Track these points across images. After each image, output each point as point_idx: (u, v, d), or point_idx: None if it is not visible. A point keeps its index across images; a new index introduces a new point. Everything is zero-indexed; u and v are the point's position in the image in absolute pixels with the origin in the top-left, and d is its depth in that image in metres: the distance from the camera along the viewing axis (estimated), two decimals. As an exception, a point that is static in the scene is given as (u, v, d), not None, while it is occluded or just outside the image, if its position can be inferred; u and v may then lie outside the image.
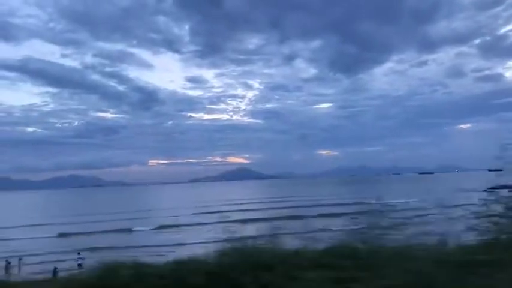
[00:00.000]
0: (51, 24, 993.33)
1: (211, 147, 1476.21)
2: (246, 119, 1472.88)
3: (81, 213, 71.62)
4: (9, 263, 25.44)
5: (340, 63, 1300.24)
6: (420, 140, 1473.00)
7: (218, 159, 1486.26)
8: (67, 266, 22.82)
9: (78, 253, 25.72)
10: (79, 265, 22.87)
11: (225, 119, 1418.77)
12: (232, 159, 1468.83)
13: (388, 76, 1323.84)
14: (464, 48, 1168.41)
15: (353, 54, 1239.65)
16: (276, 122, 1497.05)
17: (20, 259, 26.57)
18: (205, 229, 38.44)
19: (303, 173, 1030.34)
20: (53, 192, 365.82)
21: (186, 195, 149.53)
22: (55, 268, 22.56)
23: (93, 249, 29.59)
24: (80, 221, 55.49)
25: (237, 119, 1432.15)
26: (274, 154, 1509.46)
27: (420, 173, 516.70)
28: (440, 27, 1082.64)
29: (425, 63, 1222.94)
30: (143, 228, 46.11)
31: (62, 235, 44.15)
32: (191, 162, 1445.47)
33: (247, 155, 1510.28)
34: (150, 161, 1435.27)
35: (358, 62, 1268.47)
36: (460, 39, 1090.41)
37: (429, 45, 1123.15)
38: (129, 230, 45.80)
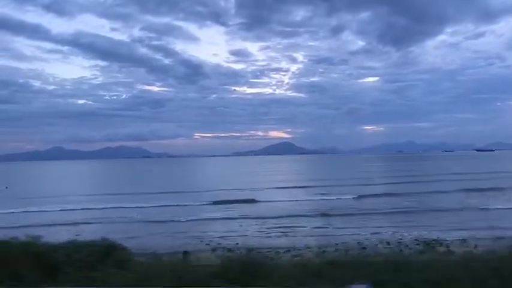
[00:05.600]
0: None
1: (254, 121, 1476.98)
2: (289, 93, 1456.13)
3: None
4: None
5: (389, 36, 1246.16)
6: (471, 116, 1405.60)
7: (260, 133, 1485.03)
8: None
9: None
10: None
11: (268, 93, 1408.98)
12: (274, 133, 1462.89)
13: (440, 49, 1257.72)
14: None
15: (404, 26, 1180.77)
16: (320, 96, 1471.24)
17: None
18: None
19: (347, 149, 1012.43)
20: (113, 162, 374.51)
21: (261, 168, 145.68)
22: None
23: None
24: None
25: (280, 93, 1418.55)
26: (318, 129, 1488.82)
27: (478, 150, 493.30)
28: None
29: (482, 34, 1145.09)
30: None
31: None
32: (234, 136, 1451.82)
33: (290, 130, 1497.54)
34: (195, 134, 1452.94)
35: (409, 34, 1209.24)
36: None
37: (488, 15, 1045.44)
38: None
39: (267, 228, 27.24)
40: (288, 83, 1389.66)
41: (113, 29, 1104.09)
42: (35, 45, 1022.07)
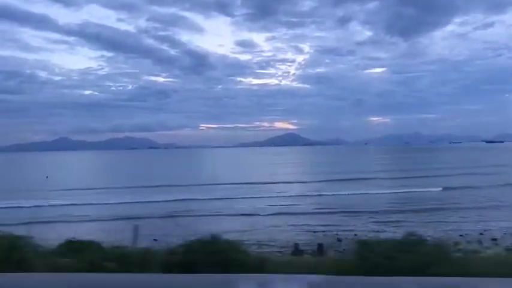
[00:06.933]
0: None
1: (259, 112, 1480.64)
2: (295, 84, 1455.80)
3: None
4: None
5: (397, 26, 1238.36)
6: (478, 108, 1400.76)
7: (266, 124, 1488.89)
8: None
9: None
10: None
11: (273, 84, 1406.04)
12: (280, 124, 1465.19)
13: (448, 40, 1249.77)
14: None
15: (412, 16, 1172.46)
16: (326, 87, 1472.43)
17: None
18: None
19: (353, 140, 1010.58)
20: (124, 153, 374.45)
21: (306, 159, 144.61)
22: None
23: None
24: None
25: (286, 84, 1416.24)
26: (323, 120, 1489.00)
27: (487, 142, 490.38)
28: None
29: (491, 25, 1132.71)
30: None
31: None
32: (239, 127, 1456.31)
33: (296, 121, 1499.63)
34: (201, 125, 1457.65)
35: (417, 25, 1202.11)
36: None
37: (498, 5, 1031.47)
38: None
39: (378, 222, 26.56)
40: (294, 74, 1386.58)
41: (119, 20, 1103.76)
42: (41, 36, 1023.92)
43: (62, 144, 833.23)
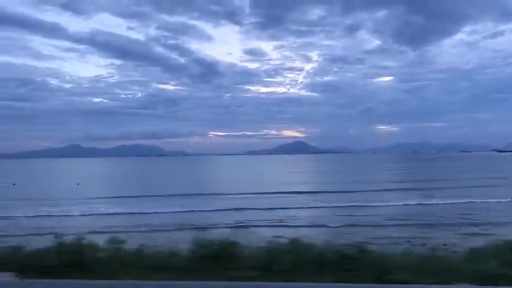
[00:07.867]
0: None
1: (267, 120, 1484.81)
2: (303, 92, 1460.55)
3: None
4: None
5: (406, 35, 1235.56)
6: (488, 116, 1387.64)
7: (274, 132, 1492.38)
8: None
9: None
10: None
11: (281, 92, 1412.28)
12: (288, 132, 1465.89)
13: (457, 48, 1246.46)
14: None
15: (421, 25, 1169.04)
16: (334, 95, 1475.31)
17: None
18: None
19: (361, 148, 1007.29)
20: (138, 160, 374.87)
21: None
22: None
23: None
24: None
25: (294, 92, 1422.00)
26: (331, 128, 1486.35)
27: (499, 151, 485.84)
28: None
29: (501, 33, 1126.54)
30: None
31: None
32: (248, 135, 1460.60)
33: (303, 129, 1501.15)
34: (210, 133, 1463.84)
35: (425, 33, 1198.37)
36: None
37: (508, 14, 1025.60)
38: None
39: (462, 235, 25.72)
40: (302, 82, 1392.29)
41: (129, 28, 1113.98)
42: (52, 44, 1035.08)
43: (72, 151, 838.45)
